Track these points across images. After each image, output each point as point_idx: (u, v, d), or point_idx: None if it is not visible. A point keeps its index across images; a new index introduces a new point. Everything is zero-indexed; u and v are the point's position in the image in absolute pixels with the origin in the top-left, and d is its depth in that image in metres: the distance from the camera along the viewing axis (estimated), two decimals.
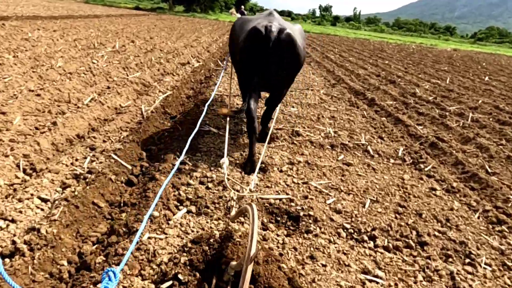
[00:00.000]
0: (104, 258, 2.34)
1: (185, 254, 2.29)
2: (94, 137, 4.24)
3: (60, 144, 4.02)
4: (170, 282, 2.09)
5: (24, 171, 3.37)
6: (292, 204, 3.30)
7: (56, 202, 2.82)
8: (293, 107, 6.91)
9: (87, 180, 3.29)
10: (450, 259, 2.84)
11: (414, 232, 3.12)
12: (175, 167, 3.06)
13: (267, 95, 4.78)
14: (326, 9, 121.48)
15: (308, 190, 3.64)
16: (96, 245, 2.53)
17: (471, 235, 3.19)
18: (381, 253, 2.82)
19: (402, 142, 5.55)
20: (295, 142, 4.99)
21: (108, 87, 6.55)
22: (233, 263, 2.12)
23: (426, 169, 4.56)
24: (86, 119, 4.79)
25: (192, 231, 2.73)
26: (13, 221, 2.57)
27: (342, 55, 17.76)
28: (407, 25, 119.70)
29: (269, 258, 2.27)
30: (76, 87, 6.15)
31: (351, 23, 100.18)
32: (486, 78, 14.64)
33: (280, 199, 3.35)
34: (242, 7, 20.85)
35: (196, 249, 2.30)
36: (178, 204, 3.12)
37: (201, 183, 3.53)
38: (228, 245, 2.31)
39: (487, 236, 3.22)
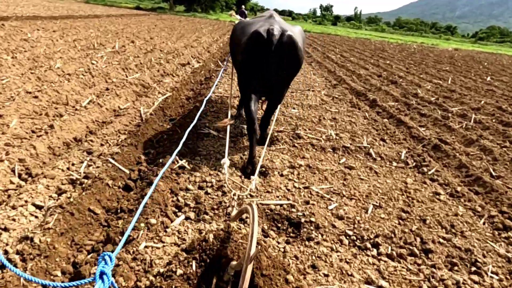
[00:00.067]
0: None
1: (180, 264, 2.21)
2: (91, 141, 4.16)
3: (57, 147, 3.95)
4: None
5: (20, 176, 3.30)
6: (293, 210, 3.22)
7: (51, 209, 2.74)
8: (294, 108, 6.83)
9: (83, 185, 3.22)
10: (456, 268, 2.77)
11: (418, 239, 3.04)
12: (165, 167, 2.98)
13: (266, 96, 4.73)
14: (327, 8, 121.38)
15: (310, 195, 3.56)
16: (91, 254, 2.46)
17: (477, 242, 3.11)
18: (385, 261, 2.74)
19: (404, 144, 5.46)
20: (296, 145, 4.91)
21: (107, 89, 6.48)
22: (233, 263, 2.13)
23: (429, 172, 4.48)
24: (84, 122, 4.72)
25: (190, 239, 2.65)
26: (5, 229, 2.50)
27: (343, 55, 17.67)
28: (408, 24, 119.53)
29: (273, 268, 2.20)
30: (74, 88, 6.08)
31: (352, 23, 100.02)
32: (488, 78, 14.54)
33: (281, 205, 3.28)
34: (243, 6, 20.73)
35: (191, 258, 2.24)
36: (177, 210, 3.05)
37: (200, 188, 3.45)
38: (227, 245, 2.27)
39: (493, 243, 3.14)
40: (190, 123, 5.08)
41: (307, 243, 2.84)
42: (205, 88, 7.64)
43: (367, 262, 2.70)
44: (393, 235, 3.05)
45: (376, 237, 3.00)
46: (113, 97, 5.91)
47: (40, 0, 31.25)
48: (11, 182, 3.16)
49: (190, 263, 2.22)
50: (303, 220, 3.08)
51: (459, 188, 4.09)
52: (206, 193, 3.37)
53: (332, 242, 2.89)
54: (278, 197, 3.45)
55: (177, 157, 3.90)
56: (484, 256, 2.94)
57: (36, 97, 5.26)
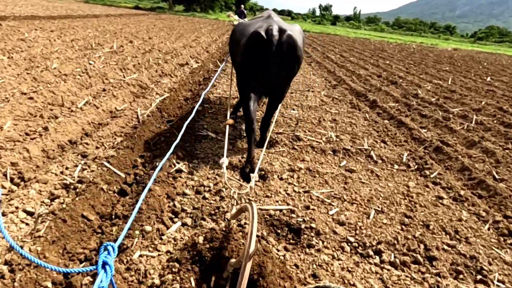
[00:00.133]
0: (91, 279, 2.18)
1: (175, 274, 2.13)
2: (86, 143, 4.07)
3: (51, 150, 3.85)
4: None
5: (12, 180, 3.20)
6: (293, 215, 3.13)
7: (43, 216, 2.65)
8: (293, 109, 6.74)
9: (77, 190, 3.12)
10: (461, 276, 2.68)
11: (422, 246, 2.96)
12: (156, 171, 2.88)
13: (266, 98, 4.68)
14: (326, 8, 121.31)
15: (310, 200, 3.47)
16: (83, 263, 2.36)
17: (482, 249, 3.03)
18: (388, 270, 2.66)
19: (406, 146, 5.38)
20: (295, 147, 4.82)
21: (104, 90, 6.38)
22: (232, 260, 2.15)
23: (431, 175, 4.40)
24: (80, 124, 4.62)
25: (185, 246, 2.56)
26: None
27: (343, 55, 17.59)
28: (407, 24, 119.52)
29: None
30: (71, 89, 5.98)
31: (351, 23, 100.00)
32: (488, 79, 14.47)
33: (281, 210, 3.19)
34: (242, 6, 20.61)
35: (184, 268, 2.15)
36: (173, 216, 2.96)
37: (198, 192, 3.36)
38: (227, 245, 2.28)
39: (498, 250, 3.05)
40: (188, 125, 5.01)
41: (307, 250, 2.76)
42: (203, 89, 7.54)
43: (370, 271, 2.61)
44: (396, 242, 2.96)
45: (378, 244, 2.91)
46: (109, 98, 5.81)
47: (39, 0, 31.11)
48: (3, 187, 3.06)
49: (186, 274, 2.13)
50: (303, 226, 2.99)
51: (462, 192, 4.01)
52: (204, 197, 3.28)
53: (334, 249, 2.81)
54: (277, 201, 3.37)
55: (174, 161, 3.81)
56: (490, 264, 2.86)
57: (31, 98, 5.16)
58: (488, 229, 3.38)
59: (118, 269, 2.21)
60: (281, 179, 3.85)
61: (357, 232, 3.04)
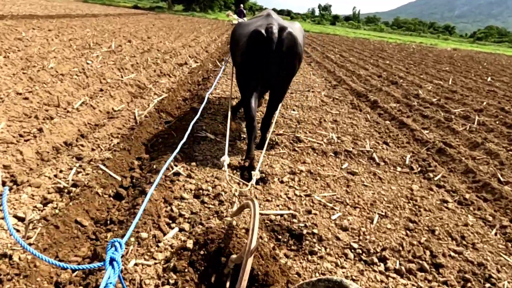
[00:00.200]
0: None
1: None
2: (82, 145, 3.96)
3: (46, 152, 3.75)
4: None
5: (4, 184, 3.09)
6: (295, 220, 3.03)
7: (34, 222, 2.54)
8: (293, 110, 6.64)
9: (71, 194, 3.02)
10: (469, 284, 2.58)
11: (427, 252, 2.86)
12: (159, 177, 2.78)
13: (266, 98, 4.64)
14: (325, 8, 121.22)
15: (312, 204, 3.37)
16: (76, 272, 2.26)
17: (490, 255, 2.93)
18: (394, 278, 2.56)
19: (408, 148, 5.29)
20: (296, 149, 4.72)
21: (101, 90, 6.27)
22: (233, 256, 2.15)
23: (435, 178, 4.30)
24: (76, 125, 4.52)
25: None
26: None
27: (343, 55, 17.50)
28: (406, 24, 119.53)
29: None
30: (67, 89, 5.88)
31: (351, 23, 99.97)
32: (489, 79, 14.39)
33: (282, 215, 3.09)
34: (241, 5, 20.52)
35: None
36: (170, 221, 2.85)
37: (196, 196, 3.26)
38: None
39: (506, 256, 2.96)
40: (187, 125, 4.90)
41: (309, 257, 2.66)
42: (202, 89, 7.45)
43: (375, 279, 2.51)
44: (401, 248, 2.86)
45: (383, 250, 2.81)
46: (107, 98, 5.70)
47: None
48: None
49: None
50: (305, 231, 2.89)
51: (467, 196, 3.91)
52: (202, 202, 3.18)
53: (337, 256, 2.71)
54: (278, 206, 3.27)
55: (171, 163, 3.70)
56: (499, 271, 2.76)
57: (26, 98, 5.05)
58: (495, 234, 3.29)
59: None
60: (281, 182, 3.75)
61: (361, 237, 2.94)
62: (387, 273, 2.60)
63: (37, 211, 2.76)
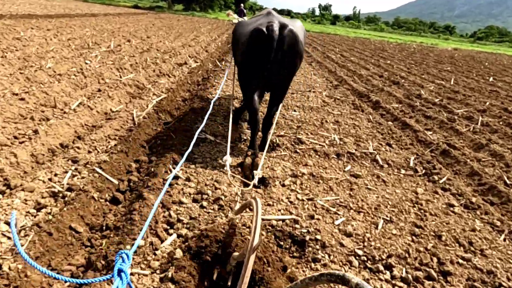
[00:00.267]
0: None
1: None
2: (78, 148, 3.86)
3: (41, 155, 3.65)
4: None
5: None
6: (297, 226, 2.93)
7: (26, 228, 2.45)
8: (295, 111, 6.54)
9: (66, 199, 2.92)
10: None
11: (435, 259, 2.76)
12: (165, 188, 2.68)
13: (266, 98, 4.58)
14: (325, 8, 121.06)
15: (314, 209, 3.27)
16: (68, 283, 2.16)
17: (499, 262, 2.83)
18: (400, 287, 2.46)
19: (412, 150, 5.18)
20: (298, 150, 4.62)
21: (99, 90, 6.17)
22: (236, 253, 2.17)
23: (440, 181, 4.20)
24: (72, 126, 4.41)
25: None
26: None
27: (343, 55, 17.39)
28: (406, 24, 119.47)
29: None
30: (65, 90, 5.78)
31: (351, 22, 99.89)
32: (491, 79, 14.29)
33: (283, 220, 2.99)
34: (242, 5, 20.39)
35: None
36: (168, 227, 2.75)
37: (195, 201, 3.16)
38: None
39: None
40: (186, 127, 4.82)
41: (313, 265, 2.56)
42: (202, 89, 7.35)
43: None
44: (407, 255, 2.76)
45: (388, 257, 2.71)
46: (105, 99, 5.60)
47: None
48: None
49: None
50: (307, 237, 2.79)
51: (474, 199, 3.81)
52: (202, 206, 3.08)
53: (341, 264, 2.61)
54: (280, 210, 3.17)
55: (170, 166, 3.61)
56: (509, 279, 2.66)
57: (22, 99, 4.96)
58: (504, 240, 3.19)
59: None
60: (283, 185, 3.65)
61: (365, 244, 2.84)
62: (393, 282, 2.50)
63: (30, 216, 2.66)
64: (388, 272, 2.58)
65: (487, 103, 9.07)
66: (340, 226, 3.05)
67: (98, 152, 3.91)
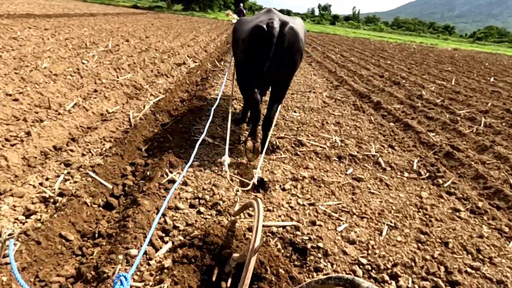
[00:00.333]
0: None
1: None
2: (71, 150, 3.73)
3: (33, 158, 3.53)
4: None
5: None
6: (298, 232, 2.82)
7: (14, 237, 2.32)
8: (295, 112, 6.42)
9: (57, 204, 2.80)
10: None
11: (442, 268, 2.64)
12: (167, 199, 2.56)
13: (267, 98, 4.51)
14: (325, 8, 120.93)
15: (316, 214, 3.15)
16: None
17: (509, 271, 2.72)
18: None
19: (415, 152, 5.07)
20: (298, 153, 4.50)
21: (95, 90, 6.05)
22: (236, 255, 2.15)
23: (445, 184, 4.08)
24: (66, 128, 4.30)
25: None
26: None
27: (343, 55, 17.28)
28: (406, 24, 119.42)
29: None
30: (60, 90, 5.66)
31: (351, 22, 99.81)
32: (492, 79, 14.18)
33: (284, 227, 2.87)
34: (241, 5, 20.30)
35: None
36: (163, 235, 2.63)
37: (192, 206, 3.04)
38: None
39: None
40: (183, 129, 4.70)
41: (315, 274, 2.44)
42: (201, 90, 7.22)
43: None
44: (413, 264, 2.65)
45: (394, 266, 2.59)
46: (101, 99, 5.48)
47: None
48: None
49: None
50: (309, 245, 2.67)
51: (480, 204, 3.69)
52: (199, 212, 2.96)
53: (344, 273, 2.49)
54: (280, 216, 3.05)
55: (166, 169, 3.49)
56: None
57: (16, 100, 4.83)
58: None
59: None
60: (283, 189, 3.53)
61: (370, 252, 2.73)
62: None
63: (18, 223, 2.54)
64: (393, 282, 2.47)
65: (489, 104, 8.96)
66: (343, 232, 2.93)
67: (92, 155, 3.78)
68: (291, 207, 3.21)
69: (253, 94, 3.98)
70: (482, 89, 11.36)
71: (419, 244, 2.91)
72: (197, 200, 3.11)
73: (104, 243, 2.48)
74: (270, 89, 4.48)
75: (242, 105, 6.38)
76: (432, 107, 8.01)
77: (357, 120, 6.37)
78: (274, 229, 2.82)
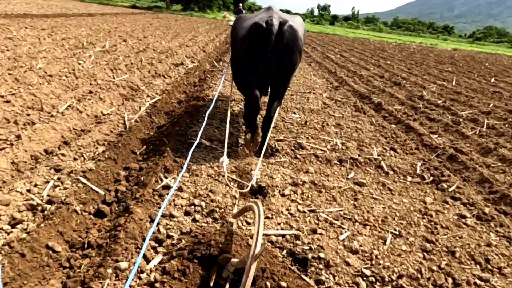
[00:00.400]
0: None
1: None
2: (63, 154, 3.60)
3: (22, 162, 3.39)
4: None
5: None
6: (298, 242, 2.69)
7: None
8: (294, 113, 6.29)
9: (45, 213, 2.66)
10: None
11: (449, 280, 2.51)
12: (161, 210, 2.43)
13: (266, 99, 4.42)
14: (324, 8, 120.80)
15: (317, 222, 3.02)
16: None
17: None
18: None
19: (417, 155, 4.94)
20: (298, 156, 4.37)
21: (90, 92, 5.91)
22: (235, 260, 2.09)
23: (450, 189, 3.95)
24: (59, 131, 4.16)
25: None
26: None
27: (343, 55, 17.16)
28: (405, 24, 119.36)
29: None
30: (54, 91, 5.52)
31: (350, 22, 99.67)
32: (492, 80, 14.07)
33: (283, 236, 2.74)
34: (241, 5, 20.21)
35: None
36: (157, 245, 2.50)
37: (187, 213, 2.91)
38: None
39: None
40: (180, 132, 4.58)
41: None
42: (198, 91, 7.09)
43: None
44: (419, 275, 2.52)
45: (399, 278, 2.46)
46: (96, 101, 5.35)
47: None
48: None
49: None
50: (310, 255, 2.55)
51: (486, 209, 3.56)
52: (194, 220, 2.83)
53: (347, 286, 2.36)
54: (279, 224, 2.92)
55: (161, 174, 3.35)
56: None
57: (8, 101, 4.70)
58: None
59: None
60: (283, 195, 3.39)
61: (373, 262, 2.59)
62: None
63: (3, 233, 2.40)
64: None
65: (491, 105, 8.84)
66: (345, 241, 2.80)
67: (84, 159, 3.64)
68: (291, 214, 3.08)
69: (253, 91, 3.92)
70: (483, 90, 11.24)
71: (425, 254, 2.79)
72: (192, 207, 2.98)
73: (93, 254, 2.35)
74: (269, 89, 4.38)
75: (241, 106, 6.25)
76: (434, 108, 7.89)
77: (358, 122, 6.24)
78: (274, 238, 2.69)
